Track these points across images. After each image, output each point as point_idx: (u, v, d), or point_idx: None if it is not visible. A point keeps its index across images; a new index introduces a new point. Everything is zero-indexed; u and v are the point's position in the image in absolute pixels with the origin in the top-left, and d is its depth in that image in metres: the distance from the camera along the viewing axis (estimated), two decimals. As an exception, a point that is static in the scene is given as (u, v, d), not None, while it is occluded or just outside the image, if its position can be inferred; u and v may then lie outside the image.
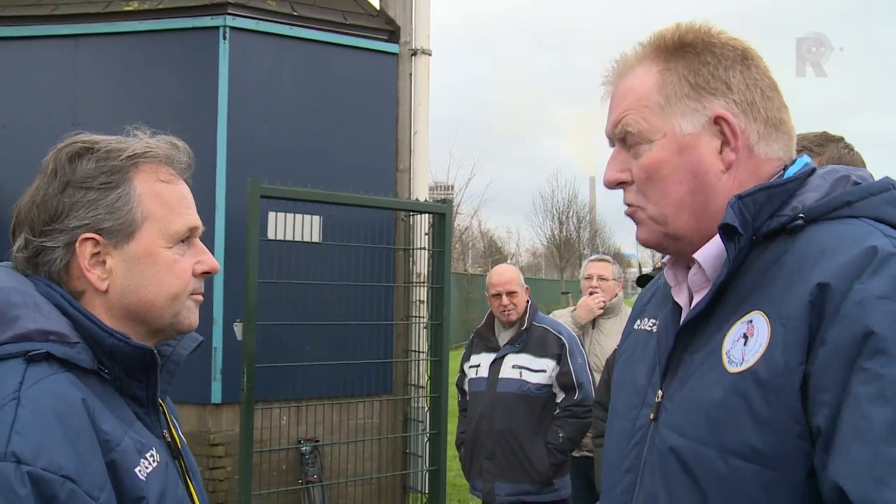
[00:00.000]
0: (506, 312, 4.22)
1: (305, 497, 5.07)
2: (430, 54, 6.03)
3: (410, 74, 5.94)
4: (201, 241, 1.39)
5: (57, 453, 1.07)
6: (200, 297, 1.38)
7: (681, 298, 1.28)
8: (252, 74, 5.29)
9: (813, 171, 1.19)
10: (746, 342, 1.07)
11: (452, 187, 31.38)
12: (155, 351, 1.30)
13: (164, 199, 1.32)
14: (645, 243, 1.29)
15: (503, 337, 4.29)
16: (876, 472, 0.90)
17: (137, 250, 1.29)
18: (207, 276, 1.38)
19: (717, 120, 1.18)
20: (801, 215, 1.11)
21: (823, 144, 2.14)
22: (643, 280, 3.77)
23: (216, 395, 5.02)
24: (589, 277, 4.92)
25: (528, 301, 4.31)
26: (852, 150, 2.16)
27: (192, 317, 1.36)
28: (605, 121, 1.30)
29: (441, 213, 5.14)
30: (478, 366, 4.28)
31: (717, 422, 1.07)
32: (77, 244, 1.26)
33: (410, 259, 5.68)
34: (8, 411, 1.07)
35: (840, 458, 0.94)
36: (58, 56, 5.40)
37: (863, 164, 2.14)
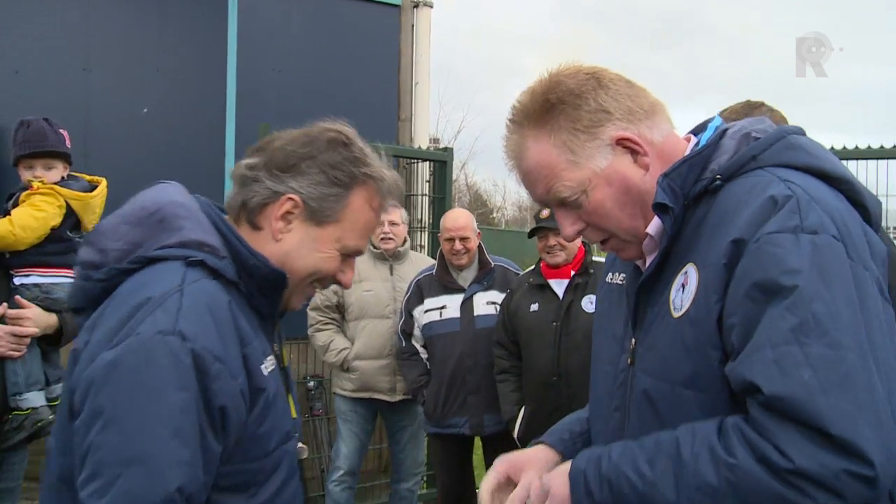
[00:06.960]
0: (457, 256, 4.35)
1: (311, 429, 5.37)
2: (431, 6, 6.18)
3: (412, 26, 6.09)
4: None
5: (209, 339, 1.30)
6: (313, 292, 1.62)
7: (638, 260, 1.49)
8: (261, 23, 5.41)
9: (724, 132, 1.37)
10: (684, 290, 1.28)
11: (439, 140, 31.24)
12: (286, 275, 1.50)
13: (362, 221, 1.54)
14: (637, 258, 1.46)
15: (465, 277, 4.40)
16: (781, 367, 1.09)
17: (317, 235, 1.50)
18: (335, 284, 1.60)
19: (619, 141, 1.34)
20: (718, 177, 1.29)
21: (748, 113, 2.42)
22: (533, 232, 4.04)
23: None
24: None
25: (478, 245, 4.44)
26: (773, 110, 2.47)
27: (299, 301, 1.59)
28: (528, 191, 1.45)
29: (442, 161, 5.35)
30: (443, 307, 4.36)
31: (667, 359, 1.30)
32: (283, 197, 1.48)
33: (411, 205, 5.89)
34: (175, 300, 1.31)
35: (750, 360, 1.12)
36: (70, 1, 5.48)
37: (784, 121, 2.43)
